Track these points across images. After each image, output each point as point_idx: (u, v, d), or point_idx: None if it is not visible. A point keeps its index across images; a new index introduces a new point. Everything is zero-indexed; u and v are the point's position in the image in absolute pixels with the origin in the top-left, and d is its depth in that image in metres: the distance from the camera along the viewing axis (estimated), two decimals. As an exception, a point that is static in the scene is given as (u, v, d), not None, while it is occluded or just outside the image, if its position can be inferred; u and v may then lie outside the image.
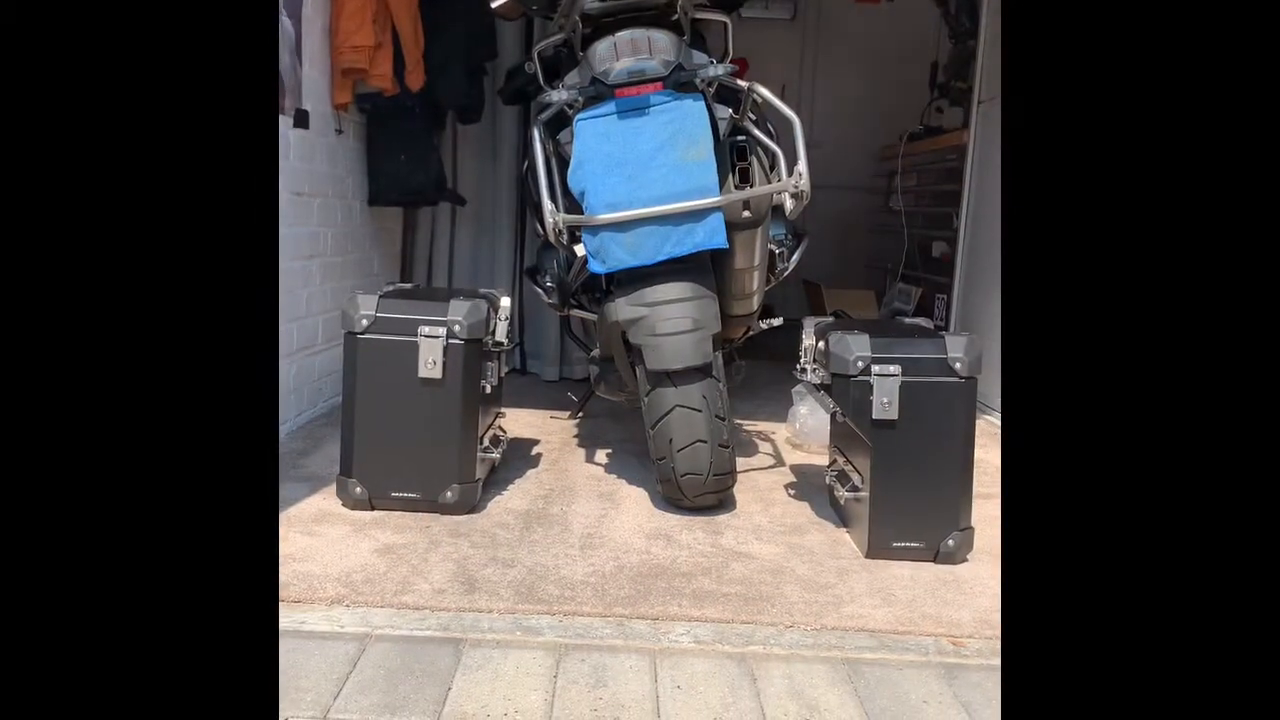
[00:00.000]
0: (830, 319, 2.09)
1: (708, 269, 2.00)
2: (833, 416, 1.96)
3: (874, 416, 1.76)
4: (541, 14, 2.22)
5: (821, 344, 1.95)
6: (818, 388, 1.97)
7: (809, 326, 2.03)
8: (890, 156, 4.41)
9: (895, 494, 1.77)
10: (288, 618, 1.44)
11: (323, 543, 1.75)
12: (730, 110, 2.08)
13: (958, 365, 1.76)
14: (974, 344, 1.78)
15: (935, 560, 1.78)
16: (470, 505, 1.95)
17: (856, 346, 1.79)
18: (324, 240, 2.74)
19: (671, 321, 1.92)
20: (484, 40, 3.19)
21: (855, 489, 1.83)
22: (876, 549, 1.79)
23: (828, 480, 2.02)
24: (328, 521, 1.87)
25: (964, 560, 1.80)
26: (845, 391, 1.81)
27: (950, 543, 1.77)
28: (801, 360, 2.04)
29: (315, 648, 1.37)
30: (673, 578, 1.67)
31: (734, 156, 2.06)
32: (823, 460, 2.48)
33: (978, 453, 1.85)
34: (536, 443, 2.59)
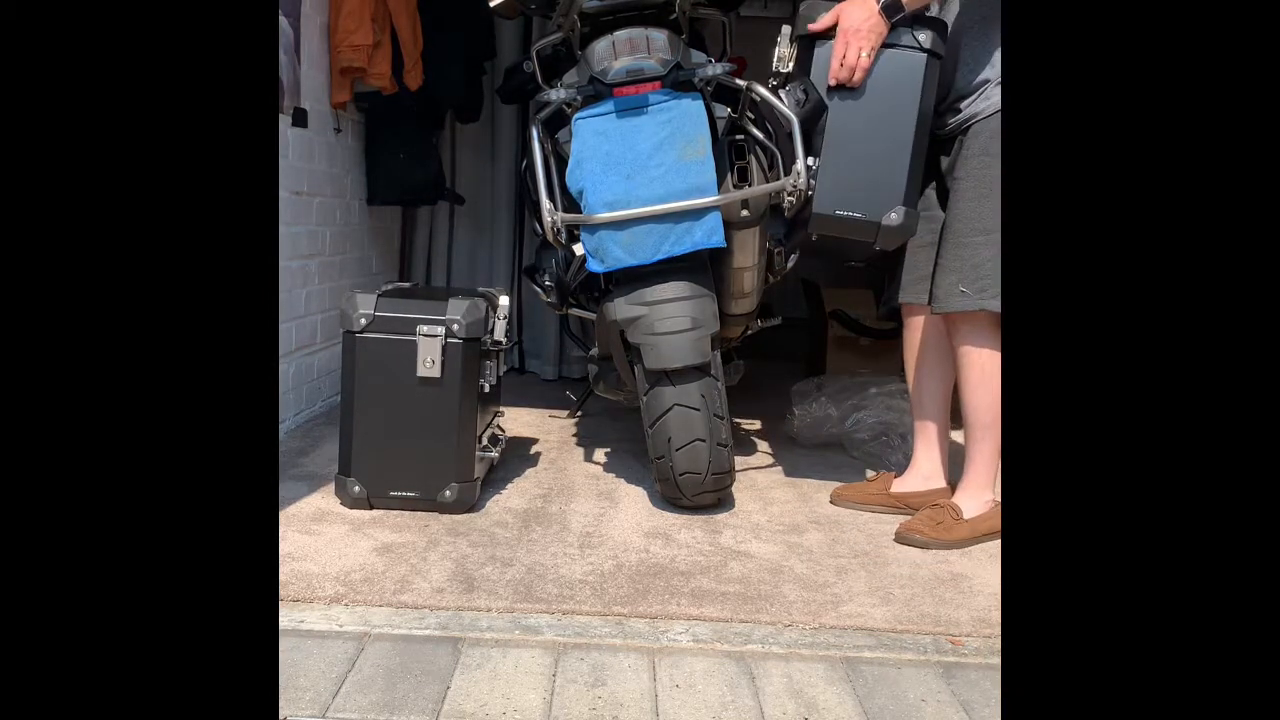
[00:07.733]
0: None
1: (706, 268, 2.00)
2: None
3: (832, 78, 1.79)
4: (540, 13, 2.22)
5: (793, 47, 1.93)
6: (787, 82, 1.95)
7: (785, 33, 1.99)
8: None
9: (843, 164, 1.79)
10: (286, 616, 1.44)
11: (321, 542, 1.76)
12: (729, 109, 2.08)
13: (922, 38, 1.77)
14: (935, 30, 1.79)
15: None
16: (469, 504, 1.95)
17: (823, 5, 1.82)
18: (322, 239, 2.74)
19: (670, 320, 1.92)
20: (482, 39, 3.19)
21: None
22: (821, 213, 1.81)
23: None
24: (326, 520, 1.88)
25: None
26: (808, 51, 1.84)
27: (893, 216, 1.79)
28: (774, 65, 1.98)
29: (314, 646, 1.37)
30: (671, 576, 1.67)
31: (732, 155, 2.06)
32: (821, 458, 2.49)
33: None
34: (535, 442, 2.60)
